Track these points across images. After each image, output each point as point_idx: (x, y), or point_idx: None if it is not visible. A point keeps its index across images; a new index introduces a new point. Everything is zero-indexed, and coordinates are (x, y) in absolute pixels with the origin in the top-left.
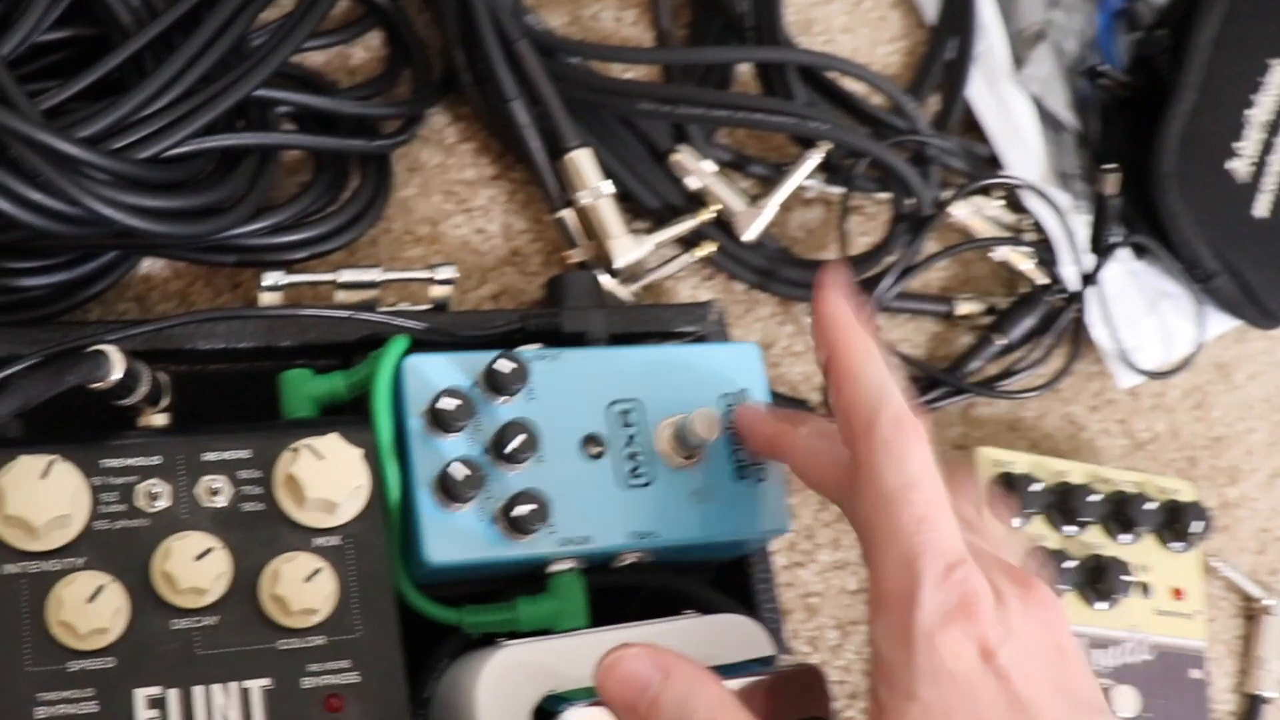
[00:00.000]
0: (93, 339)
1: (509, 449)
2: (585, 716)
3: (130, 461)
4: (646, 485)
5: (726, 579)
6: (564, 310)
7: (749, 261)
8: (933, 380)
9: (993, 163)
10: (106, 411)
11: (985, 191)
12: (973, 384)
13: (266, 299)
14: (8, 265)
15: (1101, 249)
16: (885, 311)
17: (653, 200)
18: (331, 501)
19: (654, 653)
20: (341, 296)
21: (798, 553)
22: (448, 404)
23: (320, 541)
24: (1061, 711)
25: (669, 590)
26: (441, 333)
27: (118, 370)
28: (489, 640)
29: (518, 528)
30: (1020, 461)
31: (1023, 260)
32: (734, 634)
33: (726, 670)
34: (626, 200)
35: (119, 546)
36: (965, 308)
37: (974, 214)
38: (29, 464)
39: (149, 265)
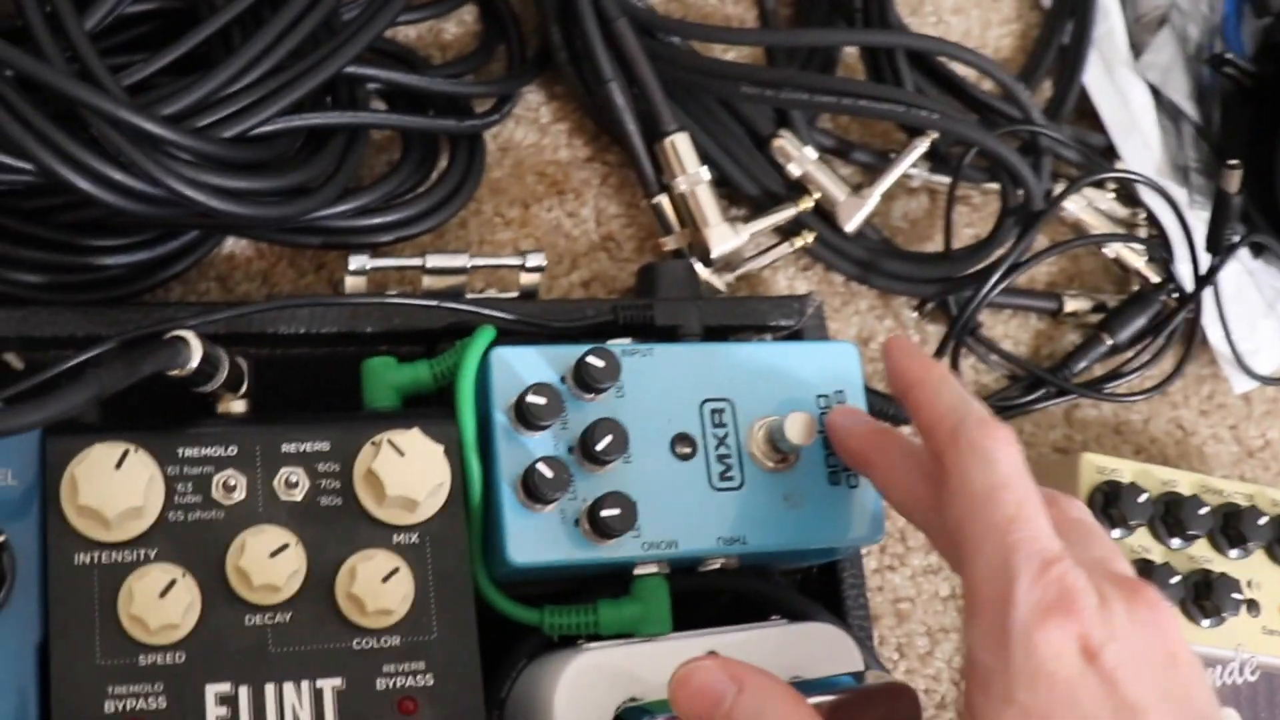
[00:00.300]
0: (171, 323)
1: (597, 449)
2: None
3: (207, 451)
4: (737, 488)
5: (815, 583)
6: (657, 302)
7: (849, 253)
8: (1036, 380)
9: (1108, 154)
10: (185, 395)
11: (1099, 184)
12: (1078, 385)
13: (351, 282)
14: (88, 243)
15: (1219, 247)
16: (990, 307)
17: (751, 187)
18: (411, 499)
19: (728, 665)
20: (428, 282)
21: (889, 556)
22: (535, 400)
23: (399, 539)
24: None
25: (756, 595)
26: (530, 323)
27: (195, 358)
28: (569, 642)
29: (603, 531)
30: (1125, 469)
31: (1136, 257)
32: (822, 643)
33: (813, 685)
34: (724, 186)
35: (193, 539)
36: (1073, 305)
37: (1086, 208)
38: (103, 453)
39: (232, 245)
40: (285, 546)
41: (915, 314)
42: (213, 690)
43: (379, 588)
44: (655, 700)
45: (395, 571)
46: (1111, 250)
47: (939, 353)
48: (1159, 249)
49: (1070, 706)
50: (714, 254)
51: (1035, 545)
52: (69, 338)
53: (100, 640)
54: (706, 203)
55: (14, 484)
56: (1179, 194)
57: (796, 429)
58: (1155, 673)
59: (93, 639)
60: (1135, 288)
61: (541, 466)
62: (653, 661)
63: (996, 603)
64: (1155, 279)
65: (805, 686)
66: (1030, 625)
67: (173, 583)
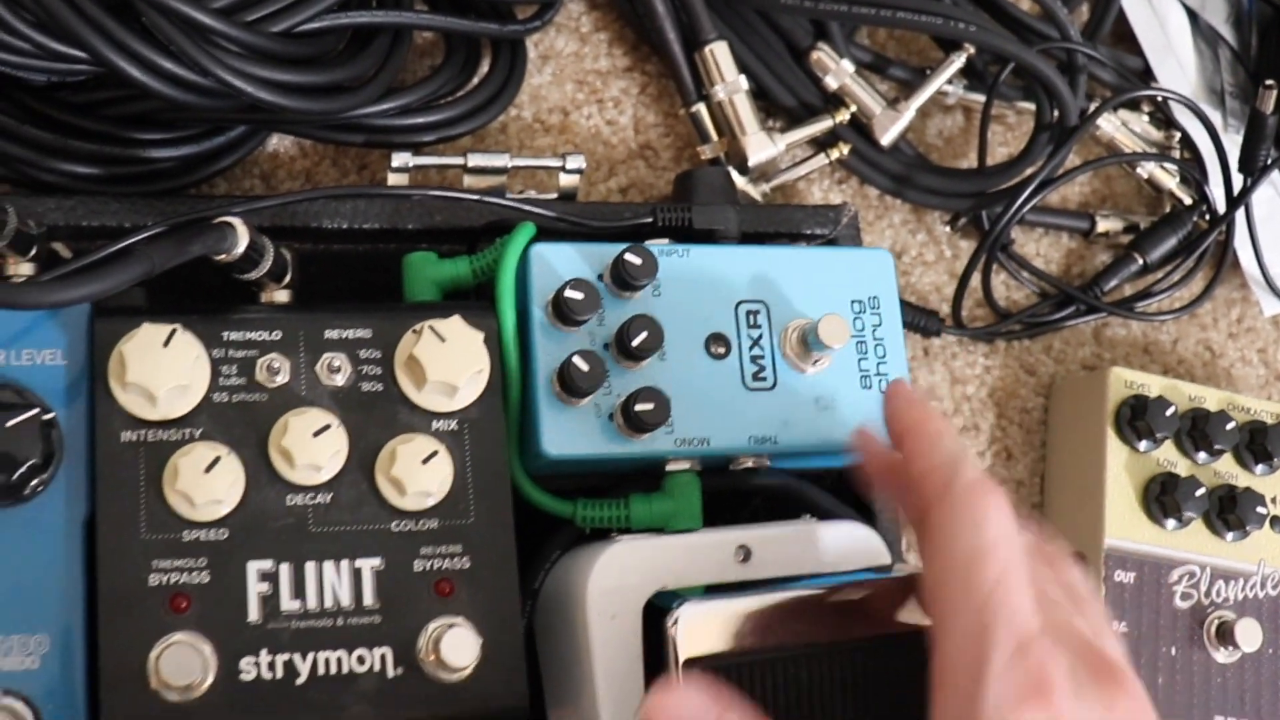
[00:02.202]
0: (219, 211)
1: (633, 344)
2: (700, 612)
3: (251, 335)
4: (769, 389)
5: (845, 487)
6: (695, 205)
7: (883, 166)
8: (1066, 297)
9: (1144, 76)
10: (229, 287)
11: (1134, 105)
12: (1108, 303)
13: (394, 180)
14: (137, 136)
15: (1253, 169)
16: (1022, 225)
17: (788, 99)
18: (452, 384)
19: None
20: (469, 181)
21: None
22: (573, 295)
23: (438, 425)
24: None
25: (786, 494)
26: (569, 222)
27: (242, 243)
28: (600, 535)
29: (637, 425)
30: (1154, 384)
31: (1168, 178)
32: (851, 542)
33: (842, 577)
34: (761, 99)
35: (236, 419)
36: (1105, 225)
37: (1120, 128)
38: (151, 332)
39: (276, 143)
40: (327, 427)
41: (948, 228)
42: (254, 567)
43: (418, 470)
44: (687, 588)
45: (434, 455)
46: (1144, 170)
47: (970, 268)
48: (1192, 170)
49: None
50: (751, 162)
51: (1013, 622)
52: (116, 227)
53: (145, 516)
54: (744, 111)
55: (62, 363)
56: (1214, 116)
57: (830, 331)
58: None
59: (138, 515)
60: (1167, 209)
61: (577, 360)
62: (684, 555)
63: (967, 681)
64: (1187, 200)
65: (835, 579)
66: (1003, 711)
67: (217, 460)
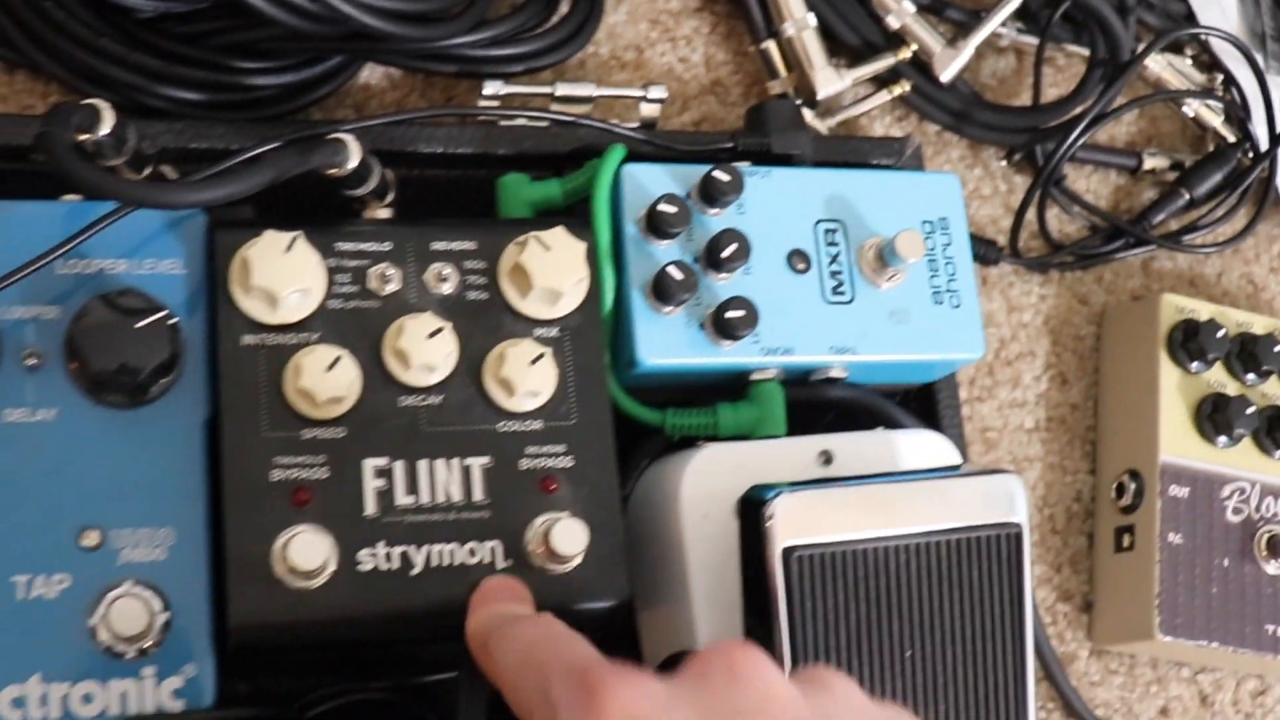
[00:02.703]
0: (328, 130)
1: (723, 255)
2: (796, 501)
3: (363, 246)
4: (848, 302)
5: (914, 405)
6: (773, 132)
7: (943, 102)
8: (1116, 230)
9: (1187, 20)
10: (332, 209)
11: (1178, 49)
12: (1155, 236)
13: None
14: (239, 65)
15: None
16: (1073, 162)
17: (852, 37)
18: (556, 291)
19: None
20: (555, 108)
21: (977, 388)
22: (666, 209)
23: (540, 332)
24: None
25: (862, 407)
26: (656, 145)
27: (354, 158)
28: (688, 444)
29: (726, 333)
30: (1203, 309)
31: (1213, 116)
32: (925, 448)
33: (917, 474)
34: (825, 38)
35: (351, 325)
36: (1151, 162)
37: (1166, 67)
38: (274, 238)
39: (368, 74)
40: (440, 330)
41: (1004, 163)
42: (370, 464)
43: (526, 370)
44: (780, 483)
45: (541, 357)
46: (1190, 109)
47: (1026, 201)
48: (1235, 108)
49: None
50: (820, 95)
51: (563, 660)
52: (224, 150)
53: (266, 416)
54: (813, 46)
55: (182, 273)
56: (1257, 58)
57: (907, 245)
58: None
59: (259, 414)
60: (1211, 148)
61: (671, 269)
62: (771, 458)
63: None
64: (1231, 138)
65: (912, 475)
66: None
67: (338, 359)
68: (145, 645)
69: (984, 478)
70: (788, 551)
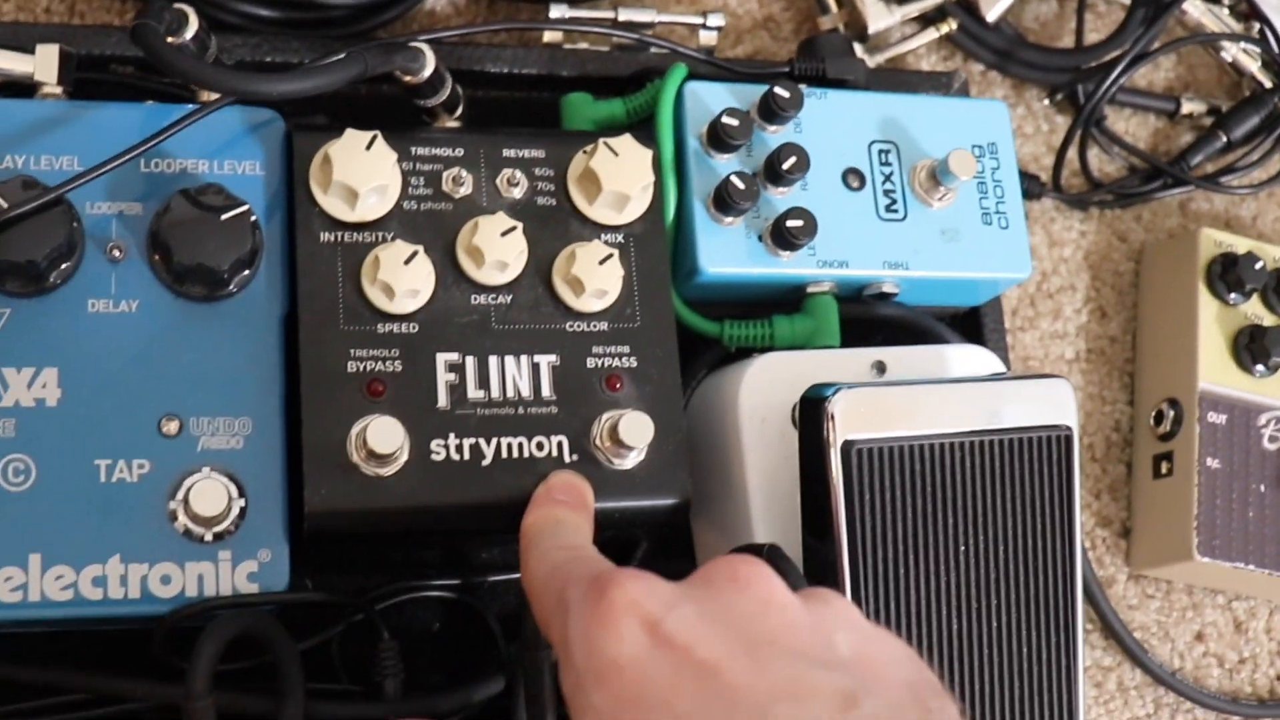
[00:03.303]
0: (406, 40)
1: (783, 167)
2: (856, 397)
3: (437, 151)
4: (901, 220)
5: (959, 330)
6: (829, 59)
7: (988, 42)
8: (1155, 171)
9: None
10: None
11: None
12: (1193, 177)
13: (549, 34)
14: None
15: None
16: (1113, 105)
17: None
18: (624, 195)
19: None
20: (615, 38)
21: (1020, 319)
22: (729, 121)
23: (607, 237)
24: (766, 667)
25: (912, 326)
26: (717, 65)
27: (429, 67)
28: (744, 354)
29: (785, 243)
30: (1240, 243)
31: (1250, 61)
32: (972, 362)
33: (964, 379)
34: None
35: (425, 225)
36: (1189, 106)
37: (1205, 12)
38: (355, 136)
39: (431, 2)
40: (513, 229)
41: (1046, 103)
42: (442, 358)
43: (596, 270)
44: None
45: (609, 257)
46: (1229, 54)
47: (1067, 140)
48: (1274, 54)
49: (643, 690)
50: (871, 29)
51: (584, 571)
52: (299, 64)
53: (343, 309)
54: None
55: (260, 174)
56: None
57: (959, 163)
58: (733, 627)
59: (336, 308)
60: (1247, 93)
61: (734, 179)
62: (826, 367)
63: (560, 642)
64: (1268, 83)
65: (963, 379)
66: (586, 628)
67: (414, 254)
68: (221, 529)
69: (1036, 381)
70: (847, 445)
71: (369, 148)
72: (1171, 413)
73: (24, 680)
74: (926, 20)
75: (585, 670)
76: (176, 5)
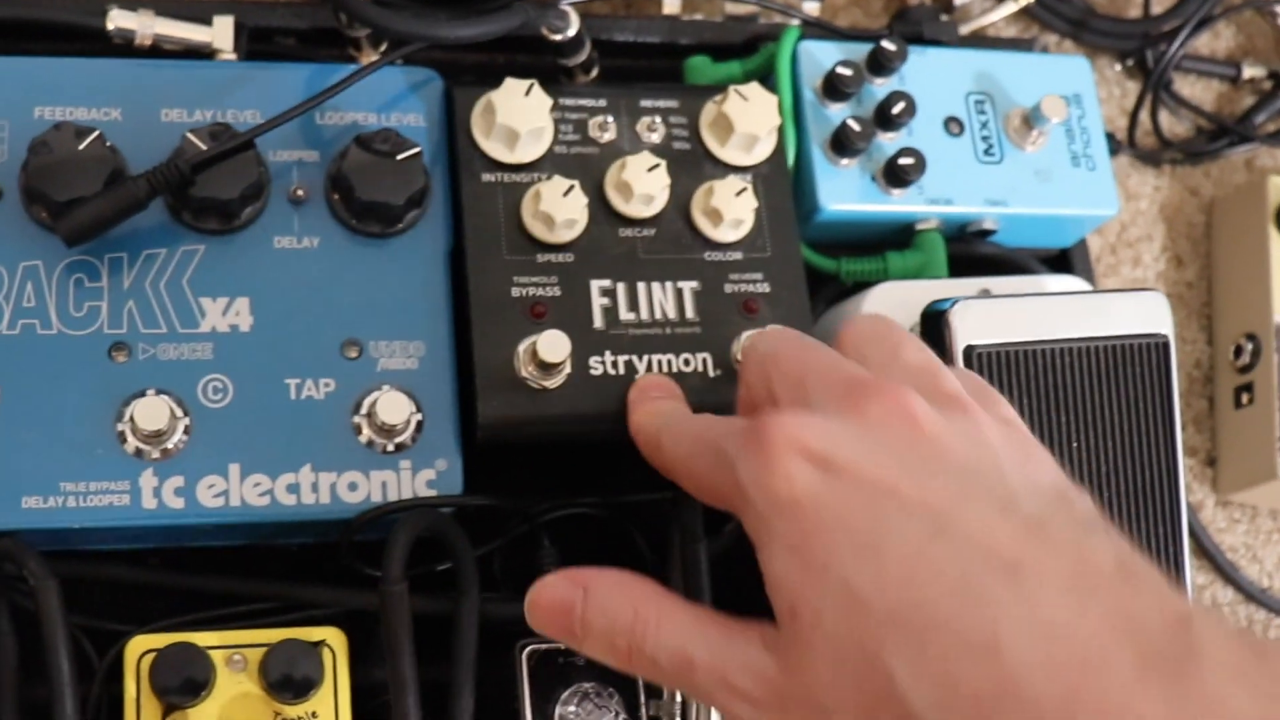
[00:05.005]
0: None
1: (894, 111)
2: (974, 307)
3: (582, 102)
4: (998, 162)
5: (1061, 265)
6: (925, 22)
7: (1063, 13)
8: (1220, 130)
9: None
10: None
11: None
12: (1258, 135)
13: (669, 4)
14: None
15: None
16: (1179, 71)
17: None
18: (754, 136)
19: (569, 575)
20: (729, 8)
21: (1103, 266)
22: (844, 71)
23: (738, 176)
24: (928, 480)
25: (1010, 264)
26: (825, 26)
27: (574, 27)
28: (860, 289)
29: (897, 180)
30: None
31: None
32: (1067, 288)
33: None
34: None
35: (576, 166)
36: (1250, 72)
37: None
38: (514, 85)
39: None
40: (657, 165)
41: (1118, 68)
42: (596, 284)
43: (733, 201)
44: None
45: (744, 190)
46: None
47: (1139, 101)
48: None
49: (822, 515)
50: (957, 1)
51: (729, 427)
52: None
53: (506, 242)
54: None
55: (423, 125)
56: None
57: (1051, 106)
58: (890, 448)
59: (499, 241)
60: None
61: (850, 122)
62: (938, 292)
63: (734, 492)
64: None
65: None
66: (757, 475)
67: (571, 187)
68: (401, 440)
69: (1134, 293)
70: (969, 350)
71: (527, 94)
72: (1250, 346)
73: (215, 590)
74: None
75: (765, 512)
76: None
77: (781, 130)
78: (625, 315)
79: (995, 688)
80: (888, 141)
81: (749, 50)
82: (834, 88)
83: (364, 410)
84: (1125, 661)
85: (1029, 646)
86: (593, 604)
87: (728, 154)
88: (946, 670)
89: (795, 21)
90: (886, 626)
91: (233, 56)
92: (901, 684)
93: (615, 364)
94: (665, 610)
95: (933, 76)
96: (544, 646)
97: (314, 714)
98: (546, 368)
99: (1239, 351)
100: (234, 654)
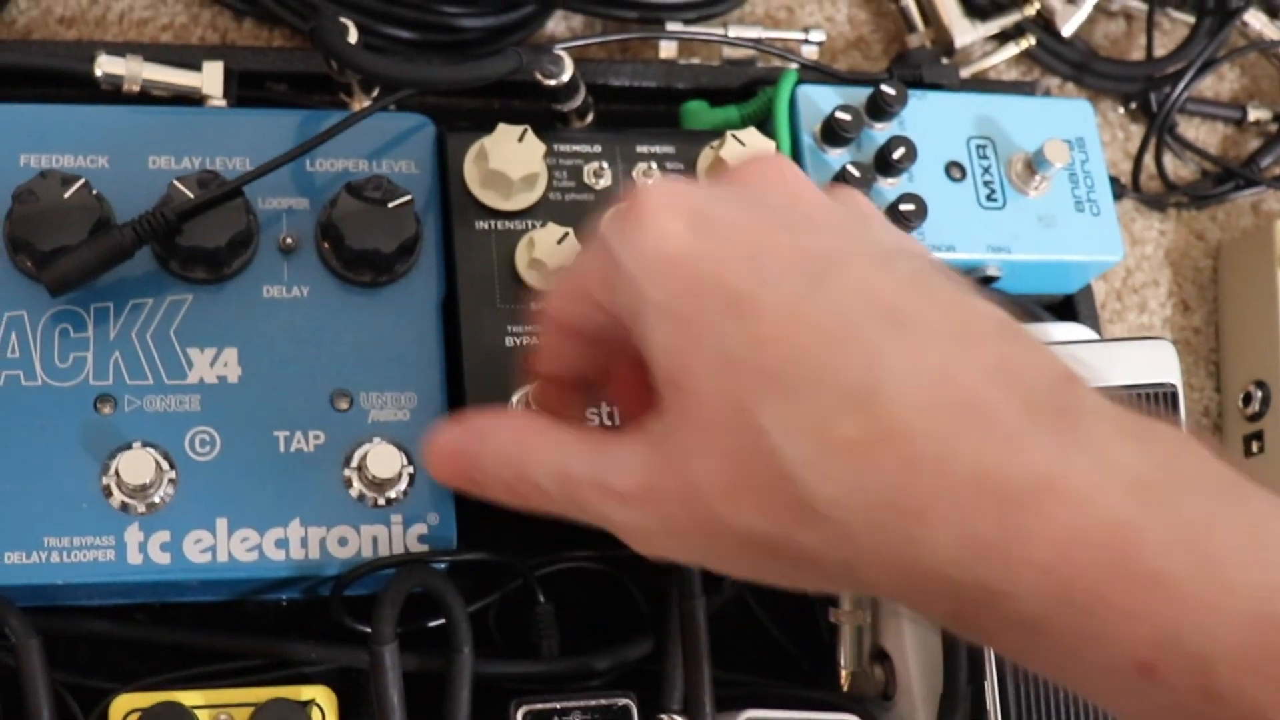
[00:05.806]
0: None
1: (894, 156)
2: None
3: (577, 148)
4: (1000, 208)
5: (1067, 313)
6: (925, 65)
7: (1064, 56)
8: (1226, 173)
9: None
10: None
11: (1273, 13)
12: (1264, 178)
13: (666, 49)
14: (447, 9)
15: None
16: (1183, 114)
17: None
18: None
19: (464, 423)
20: (727, 52)
21: (1108, 311)
22: (843, 116)
23: None
24: (807, 238)
25: (1013, 308)
26: (823, 70)
27: (568, 72)
28: None
29: (899, 226)
30: None
31: None
32: (1072, 336)
33: (1074, 342)
34: None
35: (570, 214)
36: (1255, 114)
37: (1267, 24)
38: (507, 130)
39: (554, 26)
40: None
41: (1121, 111)
42: None
43: None
44: None
45: None
46: None
47: (1144, 144)
48: None
49: (696, 272)
50: (957, 44)
51: (599, 222)
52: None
53: (499, 291)
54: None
55: (416, 172)
56: None
57: (1054, 150)
58: (770, 209)
59: (493, 290)
60: None
61: (850, 167)
62: None
63: (609, 267)
64: None
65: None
66: (629, 236)
67: (566, 234)
68: (393, 494)
69: (1142, 342)
70: None
71: (521, 140)
72: (1259, 394)
73: (202, 646)
74: (1006, 36)
75: (640, 278)
76: (340, 18)
77: None
78: None
79: (870, 434)
80: (888, 187)
81: (747, 95)
82: (833, 133)
83: (354, 463)
84: (1011, 408)
85: (910, 391)
86: (489, 446)
87: None
88: (821, 421)
89: (794, 65)
90: (760, 385)
91: (222, 102)
92: (773, 439)
93: (611, 415)
94: (543, 432)
95: (933, 121)
96: (539, 706)
97: None
98: None
99: (1248, 399)
100: (221, 714)
